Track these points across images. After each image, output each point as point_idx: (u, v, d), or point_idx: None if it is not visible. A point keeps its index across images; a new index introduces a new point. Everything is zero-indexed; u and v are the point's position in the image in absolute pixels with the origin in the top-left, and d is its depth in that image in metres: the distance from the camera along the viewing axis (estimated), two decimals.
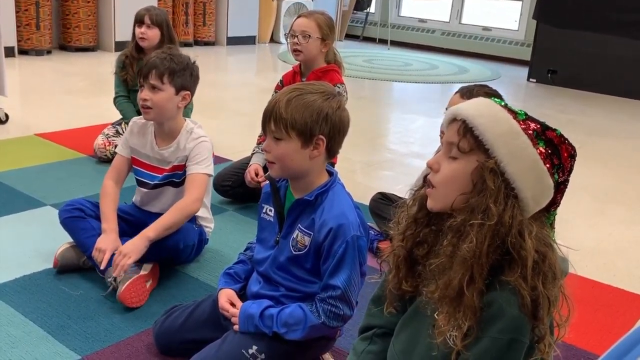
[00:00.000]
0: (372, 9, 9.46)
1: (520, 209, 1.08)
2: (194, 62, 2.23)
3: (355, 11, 9.43)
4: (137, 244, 1.96)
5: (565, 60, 6.68)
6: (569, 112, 5.60)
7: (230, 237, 2.57)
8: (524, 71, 7.21)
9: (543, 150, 1.10)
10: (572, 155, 1.13)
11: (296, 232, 1.61)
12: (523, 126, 1.11)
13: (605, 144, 4.65)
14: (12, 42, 5.86)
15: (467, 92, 2.15)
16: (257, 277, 1.71)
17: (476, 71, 7.38)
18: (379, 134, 4.60)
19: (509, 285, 1.06)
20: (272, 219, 1.69)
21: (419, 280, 1.23)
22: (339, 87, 2.72)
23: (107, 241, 2.02)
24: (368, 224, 1.88)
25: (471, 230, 1.07)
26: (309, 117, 1.52)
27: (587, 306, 2.25)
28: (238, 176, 2.85)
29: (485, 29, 8.55)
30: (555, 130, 1.13)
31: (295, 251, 1.60)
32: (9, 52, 5.66)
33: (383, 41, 8.90)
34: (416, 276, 1.23)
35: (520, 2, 8.26)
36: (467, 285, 1.07)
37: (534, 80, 6.94)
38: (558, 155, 1.12)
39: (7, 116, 3.91)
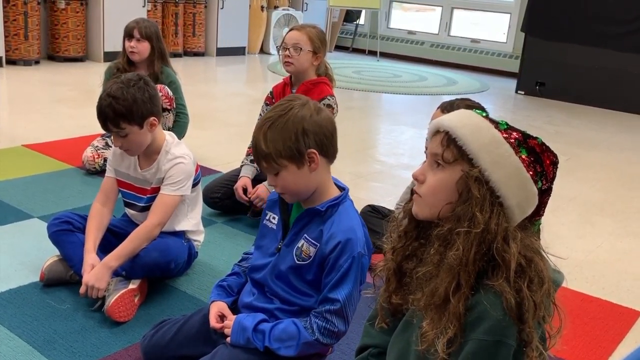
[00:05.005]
0: (361, 20, 9.51)
1: (505, 217, 1.09)
2: (142, 84, 2.07)
3: (344, 23, 9.48)
4: (100, 275, 1.96)
5: (553, 73, 6.74)
6: (557, 124, 5.65)
7: (219, 249, 2.56)
8: (512, 83, 7.25)
9: (525, 158, 1.12)
10: (554, 163, 1.15)
11: (302, 241, 1.60)
12: (505, 135, 1.13)
13: (593, 155, 4.68)
14: (0, 52, 5.83)
15: (448, 106, 2.13)
16: (251, 288, 1.70)
17: (465, 83, 7.42)
18: (368, 145, 4.60)
19: (492, 289, 1.06)
20: (274, 227, 1.68)
21: (407, 292, 1.23)
22: (329, 99, 2.73)
23: (84, 267, 2.02)
24: None
25: (457, 238, 1.08)
26: (289, 141, 1.51)
27: (576, 319, 2.25)
28: (227, 188, 2.83)
29: (474, 41, 8.61)
30: (536, 138, 1.15)
31: (298, 260, 1.59)
32: None
33: (372, 52, 8.94)
34: (405, 288, 1.24)
35: (509, 15, 8.33)
36: (453, 292, 1.08)
37: (523, 92, 6.98)
38: (540, 162, 1.13)
39: None
